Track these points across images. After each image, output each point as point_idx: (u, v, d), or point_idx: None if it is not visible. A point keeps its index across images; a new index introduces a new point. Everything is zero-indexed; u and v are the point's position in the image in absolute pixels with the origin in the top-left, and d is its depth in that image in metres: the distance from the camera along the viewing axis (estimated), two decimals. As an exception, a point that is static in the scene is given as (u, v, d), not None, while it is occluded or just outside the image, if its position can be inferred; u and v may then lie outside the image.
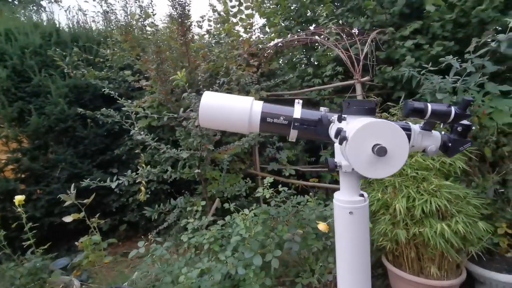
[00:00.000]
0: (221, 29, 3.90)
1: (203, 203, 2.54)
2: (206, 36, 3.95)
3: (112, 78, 3.59)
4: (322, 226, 1.77)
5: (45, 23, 4.11)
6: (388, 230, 1.93)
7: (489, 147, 2.13)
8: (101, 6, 3.75)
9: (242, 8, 3.77)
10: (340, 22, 3.56)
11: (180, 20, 2.96)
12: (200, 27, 3.94)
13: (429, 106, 0.78)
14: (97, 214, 2.27)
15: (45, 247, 2.26)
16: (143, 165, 2.65)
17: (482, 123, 2.12)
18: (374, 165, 0.67)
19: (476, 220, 1.84)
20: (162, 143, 2.68)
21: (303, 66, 4.18)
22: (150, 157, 3.15)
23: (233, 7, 3.80)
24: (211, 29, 3.99)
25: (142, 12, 3.39)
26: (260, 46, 3.76)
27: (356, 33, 3.18)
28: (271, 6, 4.27)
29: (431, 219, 1.84)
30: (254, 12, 3.87)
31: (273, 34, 4.11)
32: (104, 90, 2.79)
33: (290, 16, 4.16)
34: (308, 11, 4.00)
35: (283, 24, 4.21)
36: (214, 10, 3.92)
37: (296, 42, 3.65)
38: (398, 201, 1.90)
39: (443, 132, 0.89)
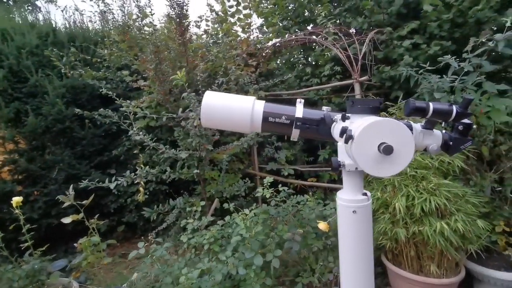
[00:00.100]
0: (219, 29, 3.90)
1: (203, 203, 2.54)
2: (204, 36, 3.94)
3: (110, 78, 3.57)
4: (322, 226, 1.77)
5: (41, 23, 4.08)
6: (387, 229, 1.94)
7: (487, 146, 2.14)
8: (98, 6, 3.73)
9: (240, 8, 3.77)
10: (338, 22, 3.57)
11: (178, 20, 2.96)
12: (198, 27, 3.94)
13: (431, 105, 0.78)
14: (95, 215, 2.27)
15: (43, 248, 2.24)
16: (142, 165, 2.64)
17: (480, 122, 2.14)
18: (380, 164, 0.67)
19: (474, 218, 1.86)
20: (161, 144, 2.67)
21: (301, 66, 4.18)
22: (148, 158, 3.14)
23: (231, 7, 3.79)
24: (208, 29, 3.98)
25: (140, 12, 3.38)
26: (259, 46, 3.76)
27: (354, 33, 3.19)
28: (268, 6, 4.27)
29: (430, 217, 1.85)
30: (252, 12, 3.87)
31: (271, 34, 4.11)
32: (102, 91, 2.77)
33: (288, 16, 4.17)
34: (306, 11, 4.01)
35: (281, 24, 4.21)
36: (212, 10, 3.91)
37: (294, 42, 3.65)
38: (397, 200, 1.90)
39: (444, 131, 0.90)
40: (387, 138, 0.66)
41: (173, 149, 2.64)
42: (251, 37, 3.89)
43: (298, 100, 0.91)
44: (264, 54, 3.81)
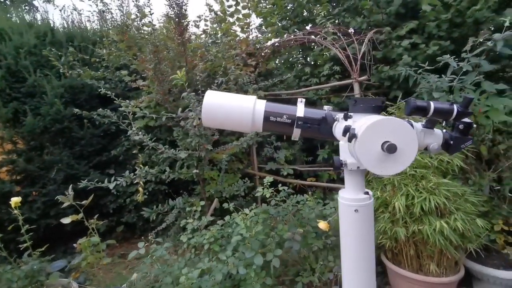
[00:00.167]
0: (218, 29, 3.90)
1: (202, 203, 2.53)
2: (203, 36, 3.94)
3: (108, 78, 3.56)
4: (322, 225, 1.77)
5: (39, 23, 4.06)
6: (387, 228, 1.94)
7: (485, 145, 2.15)
8: (97, 5, 3.72)
9: (239, 7, 3.77)
10: (337, 21, 3.58)
11: (177, 19, 2.95)
12: (197, 26, 3.94)
13: (432, 104, 0.79)
14: (94, 215, 2.26)
15: (42, 249, 2.23)
16: (141, 165, 2.63)
17: (478, 122, 2.15)
18: (384, 162, 0.67)
19: (474, 217, 1.86)
20: (160, 144, 2.66)
21: (300, 65, 4.19)
22: (147, 158, 3.13)
23: (230, 6, 3.79)
24: (207, 29, 3.98)
25: (138, 12, 3.37)
26: (258, 46, 3.76)
27: (353, 32, 3.19)
28: (267, 6, 4.27)
29: (430, 216, 1.86)
30: (251, 12, 3.87)
31: (270, 34, 4.12)
32: (100, 90, 2.76)
33: (287, 16, 4.17)
34: (305, 11, 4.01)
35: (279, 24, 4.21)
36: (211, 10, 3.91)
37: (293, 42, 3.66)
38: (397, 199, 1.91)
39: (444, 130, 0.90)
40: (390, 136, 0.66)
41: (172, 149, 2.63)
42: (250, 37, 3.90)
43: (299, 99, 0.91)
44: (263, 54, 3.81)
